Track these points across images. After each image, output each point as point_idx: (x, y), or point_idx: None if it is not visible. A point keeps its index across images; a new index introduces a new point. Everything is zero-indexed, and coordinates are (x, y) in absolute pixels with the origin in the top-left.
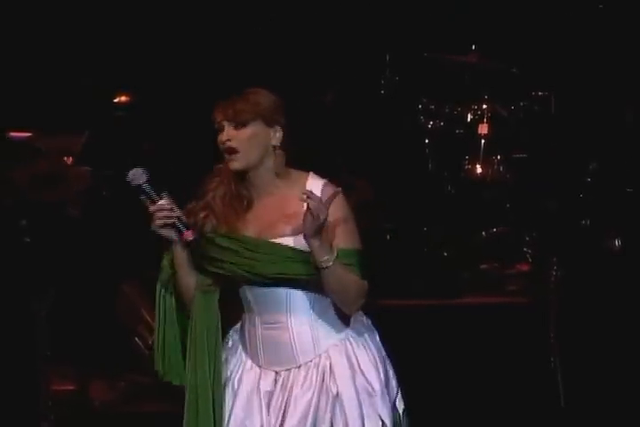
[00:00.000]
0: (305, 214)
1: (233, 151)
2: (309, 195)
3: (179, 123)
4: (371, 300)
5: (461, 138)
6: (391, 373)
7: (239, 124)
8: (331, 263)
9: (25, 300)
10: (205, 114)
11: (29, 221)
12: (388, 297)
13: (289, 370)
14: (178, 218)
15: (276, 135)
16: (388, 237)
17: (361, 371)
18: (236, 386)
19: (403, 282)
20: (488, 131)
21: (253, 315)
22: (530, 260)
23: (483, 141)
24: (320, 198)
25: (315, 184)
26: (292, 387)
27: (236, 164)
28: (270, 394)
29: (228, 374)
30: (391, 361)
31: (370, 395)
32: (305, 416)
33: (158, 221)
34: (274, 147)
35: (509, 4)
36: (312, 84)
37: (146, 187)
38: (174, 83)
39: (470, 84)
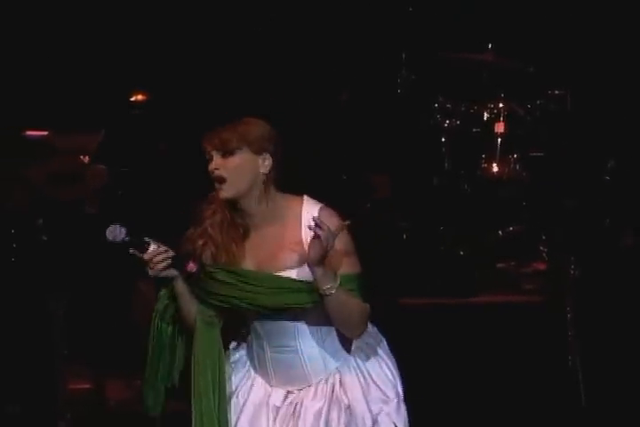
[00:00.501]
0: (311, 242)
1: (222, 180)
2: (318, 223)
3: (194, 122)
4: (387, 298)
5: (478, 137)
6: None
7: (226, 153)
8: (334, 291)
9: (42, 299)
10: (221, 113)
11: (46, 219)
12: (404, 296)
13: (300, 389)
14: (174, 256)
15: (265, 163)
16: (405, 235)
17: (373, 382)
18: (241, 399)
19: (419, 281)
20: (504, 129)
21: (261, 340)
22: (546, 258)
23: (499, 140)
24: (329, 227)
25: (311, 210)
26: (302, 400)
27: (225, 193)
28: (278, 409)
29: (234, 388)
30: (407, 360)
31: (385, 403)
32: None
33: (159, 266)
34: (263, 174)
35: (525, 2)
36: (328, 83)
37: (129, 239)
38: (190, 81)
39: (487, 82)
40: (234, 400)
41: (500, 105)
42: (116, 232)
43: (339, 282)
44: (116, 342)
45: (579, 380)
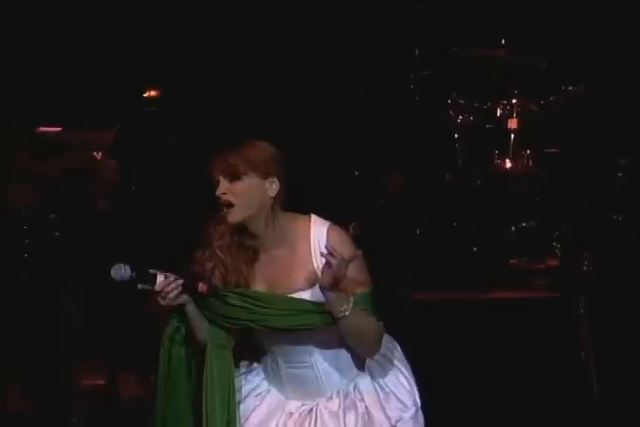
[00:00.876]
0: (323, 269)
1: (229, 205)
2: (331, 251)
3: (207, 118)
4: (401, 294)
5: (491, 133)
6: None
7: (233, 178)
8: (348, 313)
9: (54, 295)
10: (233, 110)
11: (59, 215)
12: (418, 291)
13: (315, 401)
14: (184, 284)
15: (272, 186)
16: (418, 231)
17: (391, 391)
18: (255, 401)
19: (432, 276)
20: (518, 125)
21: (275, 356)
22: (559, 255)
23: (512, 136)
24: (342, 255)
25: (319, 230)
26: (317, 404)
27: (233, 217)
28: (292, 414)
29: (247, 393)
30: (420, 355)
31: (403, 411)
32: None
33: (171, 295)
34: (271, 198)
35: None
36: (340, 80)
37: (136, 276)
38: (204, 77)
39: (500, 78)
40: (248, 400)
41: (514, 101)
42: (121, 272)
43: (352, 304)
44: (130, 337)
45: (591, 376)
